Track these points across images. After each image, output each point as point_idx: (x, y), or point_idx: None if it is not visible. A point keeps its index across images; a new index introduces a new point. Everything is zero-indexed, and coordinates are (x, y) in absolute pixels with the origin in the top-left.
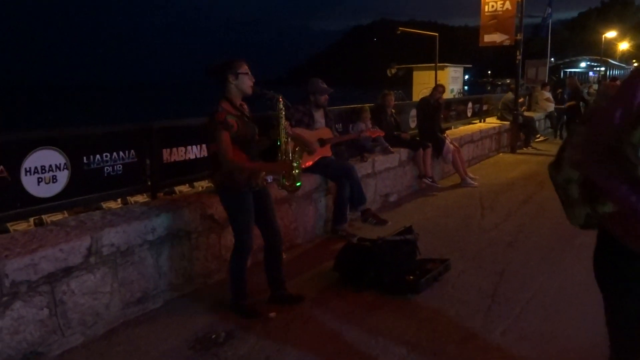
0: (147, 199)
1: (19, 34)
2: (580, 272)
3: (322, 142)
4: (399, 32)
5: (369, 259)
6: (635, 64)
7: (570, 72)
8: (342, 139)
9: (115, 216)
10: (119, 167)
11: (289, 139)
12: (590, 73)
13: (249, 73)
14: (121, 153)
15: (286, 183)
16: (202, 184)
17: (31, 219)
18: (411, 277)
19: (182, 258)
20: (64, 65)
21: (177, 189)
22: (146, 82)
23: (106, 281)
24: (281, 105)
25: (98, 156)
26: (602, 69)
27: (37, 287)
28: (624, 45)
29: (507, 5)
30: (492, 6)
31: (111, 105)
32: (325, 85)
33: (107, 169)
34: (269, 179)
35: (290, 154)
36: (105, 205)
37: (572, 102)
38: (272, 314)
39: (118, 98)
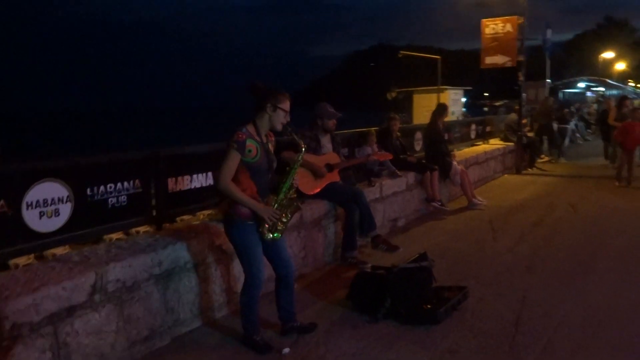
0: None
1: (17, 60)
2: (605, 298)
3: (330, 167)
4: (400, 55)
5: (384, 288)
6: (631, 84)
7: (568, 92)
8: (349, 163)
9: (120, 249)
10: (124, 197)
11: (291, 193)
12: (588, 93)
13: (288, 111)
14: (125, 183)
15: (264, 231)
16: (205, 212)
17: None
18: (429, 307)
19: (189, 291)
20: (65, 91)
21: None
22: (146, 108)
23: (111, 319)
24: (300, 157)
25: (102, 187)
26: (601, 89)
27: (39, 328)
28: (620, 66)
29: (509, 27)
30: (493, 28)
31: (109, 132)
32: (333, 110)
33: (112, 200)
34: None
35: (284, 209)
36: (107, 237)
37: (528, 128)
38: (286, 350)
39: (118, 124)
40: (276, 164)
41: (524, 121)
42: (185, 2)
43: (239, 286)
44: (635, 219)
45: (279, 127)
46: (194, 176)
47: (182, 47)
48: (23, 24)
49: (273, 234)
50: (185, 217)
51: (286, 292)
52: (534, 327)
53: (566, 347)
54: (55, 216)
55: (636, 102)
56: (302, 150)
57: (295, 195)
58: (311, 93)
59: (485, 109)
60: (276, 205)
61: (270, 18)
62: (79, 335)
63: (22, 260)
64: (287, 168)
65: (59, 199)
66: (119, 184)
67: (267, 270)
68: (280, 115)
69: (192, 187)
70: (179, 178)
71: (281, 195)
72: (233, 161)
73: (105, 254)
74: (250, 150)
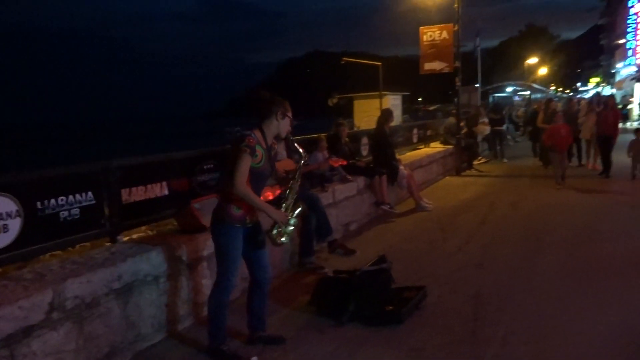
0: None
1: None
2: (553, 287)
3: (286, 174)
4: (343, 62)
5: (348, 291)
6: (553, 88)
7: (498, 96)
8: (305, 169)
9: (76, 265)
10: (76, 210)
11: (295, 198)
12: (515, 97)
13: (292, 119)
14: (77, 196)
15: (275, 235)
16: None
17: None
18: (391, 308)
19: (151, 305)
20: (13, 105)
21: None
22: (77, 122)
23: (70, 338)
24: (303, 163)
25: (53, 200)
26: (527, 92)
27: None
28: (542, 71)
29: (445, 34)
30: (430, 35)
31: (52, 147)
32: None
33: (63, 214)
34: None
35: (290, 212)
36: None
37: (465, 130)
38: (254, 358)
39: (56, 139)
40: (275, 171)
41: (462, 124)
42: (113, 10)
43: (200, 297)
44: (570, 213)
45: (284, 134)
46: (149, 186)
47: (112, 56)
48: None
49: (283, 238)
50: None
51: (260, 298)
52: (491, 320)
53: (523, 337)
54: (4, 232)
55: (559, 104)
56: (302, 157)
57: (298, 201)
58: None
59: (420, 113)
60: (284, 209)
61: (204, 26)
62: (37, 356)
63: None
64: (289, 175)
65: (7, 214)
66: (70, 197)
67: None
68: (287, 123)
69: (147, 197)
70: (133, 189)
71: (289, 201)
72: (246, 165)
73: (61, 270)
74: (256, 155)
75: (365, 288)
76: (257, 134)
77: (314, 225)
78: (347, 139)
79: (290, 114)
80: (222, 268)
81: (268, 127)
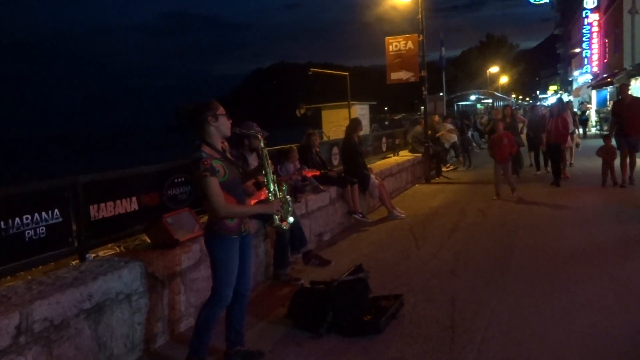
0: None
1: None
2: (525, 293)
3: (258, 185)
4: (310, 72)
5: (325, 302)
6: (514, 96)
7: (462, 104)
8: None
9: (43, 286)
10: (42, 229)
11: (274, 178)
12: (479, 105)
13: (227, 114)
14: (44, 214)
15: (278, 222)
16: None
17: None
18: (369, 317)
19: (123, 324)
20: None
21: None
22: (49, 134)
23: None
24: (262, 144)
25: (17, 219)
26: (489, 100)
27: None
28: (503, 79)
29: (410, 44)
30: (396, 46)
31: (10, 162)
32: (259, 128)
33: (29, 233)
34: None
35: (278, 192)
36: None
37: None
38: None
39: (19, 151)
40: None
41: (429, 132)
42: (69, 22)
43: (175, 313)
44: (537, 218)
45: (229, 132)
46: (118, 202)
47: (72, 70)
48: None
49: (286, 220)
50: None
51: (240, 310)
52: (467, 327)
53: (500, 343)
54: None
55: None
56: (259, 139)
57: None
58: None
59: (386, 122)
60: (272, 196)
61: (167, 38)
62: None
63: None
64: (259, 160)
65: None
66: (36, 215)
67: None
68: (224, 120)
69: (117, 213)
70: (102, 205)
71: (270, 185)
72: (216, 187)
73: (27, 291)
74: (218, 171)
75: (343, 298)
76: (206, 149)
77: (288, 237)
78: (318, 149)
79: (220, 111)
80: (218, 281)
81: (210, 137)
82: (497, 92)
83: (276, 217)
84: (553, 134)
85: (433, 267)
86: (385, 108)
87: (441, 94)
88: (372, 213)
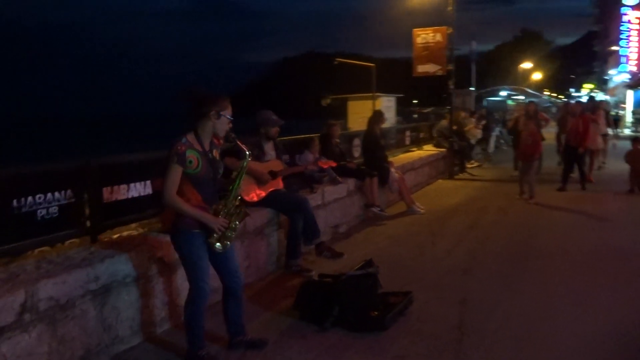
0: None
1: None
2: (540, 296)
3: (274, 174)
4: (336, 62)
5: (332, 296)
6: (547, 93)
7: (492, 100)
8: (293, 170)
9: (52, 265)
10: (54, 209)
11: (238, 198)
12: (509, 101)
13: (231, 117)
14: (57, 194)
15: (214, 239)
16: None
17: None
18: (376, 313)
19: (129, 307)
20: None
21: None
22: (78, 117)
23: (43, 340)
24: (245, 164)
25: (30, 198)
26: (521, 97)
27: None
28: (537, 76)
29: (438, 37)
30: (424, 38)
31: (44, 141)
32: (275, 117)
33: (41, 212)
34: None
35: (232, 216)
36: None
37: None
38: None
39: (51, 133)
40: (222, 171)
41: (454, 127)
42: (105, 6)
43: (181, 299)
44: (559, 219)
45: (223, 134)
46: (131, 185)
47: (106, 53)
48: None
49: (222, 243)
50: (125, 227)
51: (234, 304)
52: (477, 328)
53: (509, 346)
54: None
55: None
56: (246, 157)
57: (240, 203)
58: (242, 100)
59: (415, 115)
60: (224, 213)
61: (197, 24)
62: (7, 359)
63: None
64: (232, 176)
65: None
66: (49, 195)
67: (211, 282)
68: (224, 122)
69: (130, 196)
70: (115, 187)
71: (229, 204)
72: (174, 174)
73: (36, 270)
74: (191, 162)
75: (350, 293)
76: (190, 137)
77: (301, 227)
78: (338, 140)
79: (227, 112)
80: (191, 276)
81: (202, 129)
82: (530, 88)
83: (215, 234)
84: (573, 135)
85: (447, 264)
86: (415, 101)
87: (472, 88)
88: (391, 207)
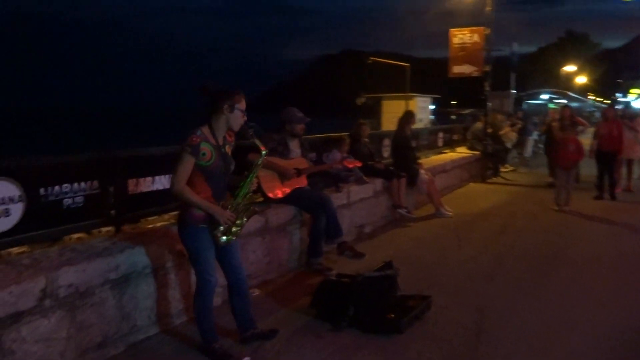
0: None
1: None
2: (563, 307)
3: (298, 172)
4: (370, 61)
5: (347, 296)
6: (591, 97)
7: (532, 103)
8: (318, 168)
9: (74, 253)
10: (80, 198)
11: (248, 196)
12: (551, 105)
13: (244, 111)
14: (82, 184)
15: (220, 232)
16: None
17: None
18: (392, 316)
19: (147, 297)
20: (18, 91)
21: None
22: (108, 109)
23: (62, 326)
24: (260, 161)
25: (57, 187)
26: (563, 101)
27: None
28: (581, 79)
29: (476, 37)
30: (461, 38)
31: (74, 132)
32: (301, 115)
33: (67, 201)
34: None
35: (240, 212)
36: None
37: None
38: (246, 359)
39: (81, 124)
40: (234, 167)
41: (489, 130)
42: (147, 2)
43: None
44: (590, 227)
45: (237, 128)
46: (156, 178)
47: (145, 48)
48: None
49: (227, 237)
50: (151, 218)
51: (239, 299)
52: (495, 336)
53: (526, 355)
54: (6, 216)
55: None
56: (262, 154)
57: (258, 199)
58: (278, 96)
59: (453, 117)
60: (232, 208)
61: (235, 20)
62: (26, 342)
63: None
64: (246, 172)
65: (9, 199)
66: (75, 184)
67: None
68: (238, 115)
69: (154, 189)
70: (140, 180)
71: (238, 199)
72: (186, 165)
73: (58, 257)
74: (204, 154)
75: (366, 294)
76: (205, 130)
77: (324, 226)
78: (367, 140)
79: (241, 106)
80: (197, 270)
81: (217, 122)
82: (573, 92)
83: (221, 227)
84: (605, 140)
85: (471, 269)
86: (453, 102)
87: (513, 90)
88: (419, 209)
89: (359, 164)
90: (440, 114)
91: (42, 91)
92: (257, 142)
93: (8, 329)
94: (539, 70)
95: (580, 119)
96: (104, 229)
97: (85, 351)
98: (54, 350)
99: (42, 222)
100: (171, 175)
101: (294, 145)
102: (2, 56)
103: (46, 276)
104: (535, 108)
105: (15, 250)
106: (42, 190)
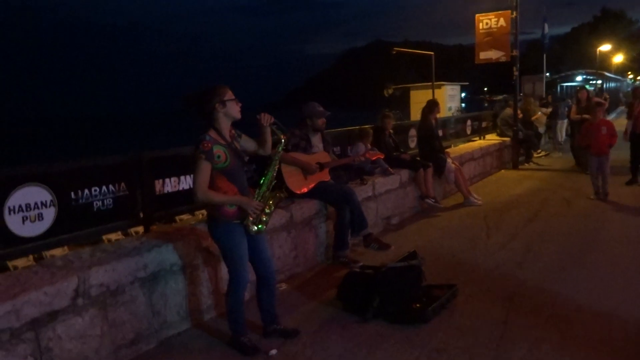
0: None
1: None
2: (596, 295)
3: (321, 166)
4: (394, 52)
5: (372, 287)
6: (630, 76)
7: (566, 86)
8: (340, 162)
9: (104, 253)
10: (109, 201)
11: (272, 185)
12: (587, 86)
13: (235, 98)
14: (111, 186)
15: (250, 221)
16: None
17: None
18: (418, 305)
19: (176, 294)
20: (48, 97)
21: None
22: (139, 112)
23: (95, 324)
24: (280, 149)
25: (87, 191)
26: (599, 82)
27: (20, 334)
28: (618, 58)
29: (502, 22)
30: (487, 23)
31: (100, 137)
32: (322, 109)
33: (97, 204)
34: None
35: (266, 200)
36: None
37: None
38: (273, 352)
39: (108, 129)
40: (248, 158)
41: (520, 115)
42: (174, 4)
43: (226, 288)
44: (626, 213)
45: (239, 115)
46: (182, 178)
47: (172, 50)
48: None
49: (257, 226)
50: (185, 217)
51: (267, 293)
52: (522, 324)
53: (553, 344)
54: (39, 220)
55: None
56: (282, 142)
57: (275, 188)
58: (308, 91)
59: (486, 104)
60: (258, 197)
61: (262, 17)
62: (62, 340)
63: (21, 262)
64: (268, 161)
65: (42, 203)
66: (103, 188)
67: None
68: (232, 105)
69: (181, 189)
70: (167, 180)
71: (263, 188)
72: (204, 171)
73: (90, 258)
74: (219, 157)
75: (390, 285)
76: (212, 133)
77: (348, 219)
78: (391, 131)
79: (228, 96)
80: (230, 266)
81: (218, 122)
82: (609, 72)
83: (250, 218)
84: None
85: (500, 257)
86: (485, 88)
87: (547, 74)
88: (447, 198)
89: (381, 156)
90: (472, 101)
91: (77, 99)
92: (276, 130)
93: (45, 328)
94: (573, 51)
95: (597, 99)
96: (136, 229)
97: (119, 347)
98: (88, 347)
99: (74, 225)
100: (192, 183)
101: (316, 140)
102: (36, 63)
103: (78, 276)
104: (570, 91)
105: (58, 251)
106: (72, 194)
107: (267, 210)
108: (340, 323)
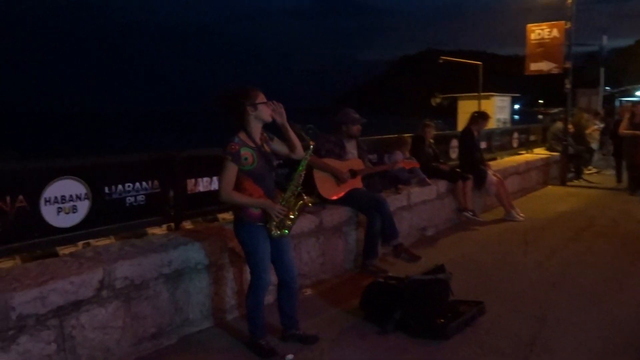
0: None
1: (32, 59)
2: (632, 318)
3: (353, 173)
4: (441, 60)
5: (394, 298)
6: None
7: (625, 100)
8: (374, 169)
9: (132, 248)
10: (142, 197)
11: (298, 190)
12: None
13: (267, 101)
14: (144, 183)
15: (272, 225)
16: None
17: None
18: (442, 321)
19: (200, 292)
20: (84, 92)
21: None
22: (188, 110)
23: (118, 315)
24: (308, 155)
25: (120, 186)
26: None
27: (45, 320)
28: None
29: (555, 32)
30: (539, 34)
31: (138, 133)
32: (357, 115)
33: (129, 200)
34: None
35: (291, 205)
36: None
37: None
38: (290, 357)
39: (149, 125)
40: (276, 163)
41: (571, 130)
42: (228, 7)
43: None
44: None
45: (270, 118)
46: (214, 178)
47: (227, 52)
48: (54, 24)
49: (281, 231)
50: (220, 215)
51: (288, 297)
52: (550, 347)
53: None
54: (73, 212)
55: None
56: (310, 148)
57: (313, 201)
58: (358, 98)
59: (540, 116)
60: (283, 202)
61: (315, 22)
62: (84, 329)
63: (69, 250)
64: (296, 166)
65: (76, 196)
66: (137, 184)
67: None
68: (263, 109)
69: (212, 189)
70: (199, 180)
71: (288, 193)
72: (230, 173)
73: (118, 251)
74: (246, 159)
75: (413, 297)
76: (242, 135)
77: (379, 228)
78: (432, 141)
79: (261, 100)
80: (253, 268)
81: (249, 125)
82: None
83: (273, 222)
84: None
85: (534, 276)
86: (540, 101)
87: (607, 87)
88: (487, 212)
89: (417, 165)
90: (526, 114)
91: (132, 95)
92: (304, 135)
93: (69, 316)
94: (636, 64)
95: None
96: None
97: (140, 340)
98: (110, 337)
99: (105, 219)
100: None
101: (351, 147)
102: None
103: (104, 268)
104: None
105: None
106: (106, 189)
107: (291, 216)
108: (360, 332)
